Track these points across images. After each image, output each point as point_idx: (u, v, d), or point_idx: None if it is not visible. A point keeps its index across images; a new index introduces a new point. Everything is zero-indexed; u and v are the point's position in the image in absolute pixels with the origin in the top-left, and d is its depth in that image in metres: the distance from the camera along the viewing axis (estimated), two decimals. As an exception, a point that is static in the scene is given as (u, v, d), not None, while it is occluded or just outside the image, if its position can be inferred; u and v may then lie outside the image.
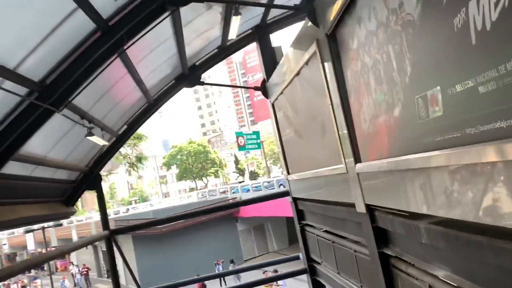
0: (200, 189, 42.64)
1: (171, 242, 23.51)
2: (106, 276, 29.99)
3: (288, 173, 7.10)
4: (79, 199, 6.82)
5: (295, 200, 7.14)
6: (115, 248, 6.78)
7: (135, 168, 9.41)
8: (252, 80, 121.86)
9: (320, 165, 5.06)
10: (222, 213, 26.30)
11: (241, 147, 40.33)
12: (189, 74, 7.04)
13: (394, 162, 2.96)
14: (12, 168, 4.24)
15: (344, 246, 5.18)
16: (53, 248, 36.13)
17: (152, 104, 6.93)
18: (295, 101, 5.82)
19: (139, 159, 9.33)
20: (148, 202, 44.64)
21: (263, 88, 7.30)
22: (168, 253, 23.05)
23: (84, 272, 29.14)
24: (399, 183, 3.02)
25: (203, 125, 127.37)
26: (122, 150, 9.17)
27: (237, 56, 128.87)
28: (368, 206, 3.84)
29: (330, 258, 5.84)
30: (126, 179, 73.45)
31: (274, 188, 24.79)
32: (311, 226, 6.96)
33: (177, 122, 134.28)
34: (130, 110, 6.69)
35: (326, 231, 6.37)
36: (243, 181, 41.31)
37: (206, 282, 19.72)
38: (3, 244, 37.29)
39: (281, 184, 23.96)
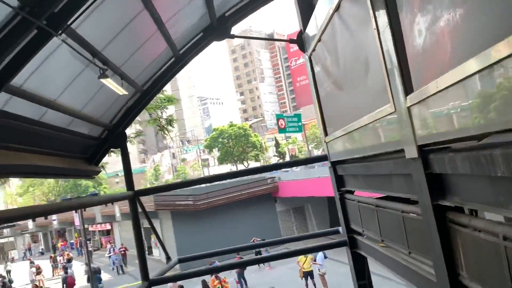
0: (241, 171, 42.48)
1: (209, 220, 23.46)
2: (147, 253, 30.60)
3: (326, 134, 6.40)
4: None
5: (333, 164, 6.44)
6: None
7: (166, 132, 9.13)
8: (295, 65, 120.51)
9: (363, 113, 4.34)
10: (261, 192, 25.95)
11: (281, 130, 39.62)
12: (218, 26, 6.46)
13: (459, 69, 2.23)
14: (17, 107, 3.86)
15: (389, 208, 4.46)
16: (98, 225, 37.53)
17: (179, 58, 6.43)
18: (334, 45, 5.09)
19: (169, 121, 9.05)
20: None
21: (300, 40, 6.60)
22: (206, 231, 23.02)
23: (122, 252, 28.53)
24: (467, 96, 2.28)
25: (245, 111, 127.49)
26: (152, 113, 8.90)
27: (280, 42, 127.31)
28: (420, 148, 3.12)
29: (372, 225, 5.13)
30: (170, 162, 75.11)
31: (314, 168, 24.12)
32: (352, 192, 6.28)
33: (219, 108, 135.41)
34: (155, 63, 6.22)
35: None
36: (284, 164, 40.54)
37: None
38: (53, 220, 39.06)
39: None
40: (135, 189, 6.46)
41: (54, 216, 38.97)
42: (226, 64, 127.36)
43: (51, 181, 60.36)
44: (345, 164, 5.94)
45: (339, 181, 6.43)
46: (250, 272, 20.43)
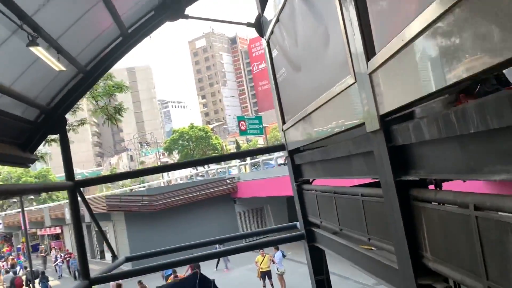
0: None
1: (165, 221, 22.60)
2: (99, 257, 29.25)
3: (284, 122, 6.11)
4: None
5: (291, 154, 6.14)
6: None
7: (114, 121, 8.37)
8: (257, 69, 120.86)
9: (321, 91, 4.06)
10: (220, 192, 25.38)
11: (242, 132, 39.29)
12: (171, 5, 6.03)
13: (427, 12, 1.94)
14: None
15: (348, 193, 4.20)
16: (47, 229, 35.53)
17: (127, 37, 5.93)
18: (292, 23, 4.80)
19: (118, 110, 8.28)
20: (146, 183, 43.87)
21: (258, 24, 6.28)
22: (163, 232, 22.11)
23: (68, 258, 26.76)
24: (436, 45, 2.00)
25: (206, 114, 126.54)
26: (100, 101, 8.19)
27: (242, 45, 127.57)
28: (382, 119, 2.84)
29: (330, 214, 4.86)
30: (128, 165, 72.98)
31: (273, 166, 23.90)
32: (309, 182, 6.00)
33: (181, 112, 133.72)
34: (99, 41, 5.69)
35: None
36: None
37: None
38: (-2, 224, 36.67)
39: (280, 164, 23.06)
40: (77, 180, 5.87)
41: (-1, 220, 36.76)
42: (188, 66, 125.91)
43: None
44: (302, 152, 5.66)
45: (297, 172, 6.13)
46: (207, 274, 19.82)
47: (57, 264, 26.82)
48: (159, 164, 61.32)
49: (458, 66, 1.87)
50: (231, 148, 62.78)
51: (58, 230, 34.70)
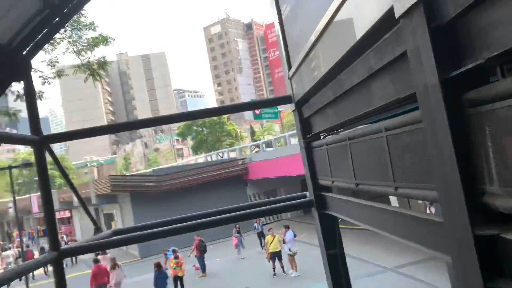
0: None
1: (172, 203, 21.68)
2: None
3: (290, 67, 5.11)
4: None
5: (298, 106, 5.13)
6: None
7: (97, 78, 7.46)
8: (273, 56, 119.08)
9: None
10: (231, 174, 24.36)
11: (257, 116, 38.30)
12: None
13: None
14: None
15: (367, 133, 3.21)
16: (56, 213, 35.22)
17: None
18: None
19: (102, 64, 7.31)
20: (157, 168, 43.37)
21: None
22: (171, 215, 21.04)
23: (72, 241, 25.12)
24: None
25: (222, 102, 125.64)
26: (81, 56, 7.25)
27: (258, 31, 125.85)
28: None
29: (345, 169, 3.87)
30: (143, 152, 72.88)
31: (286, 146, 22.99)
32: (318, 138, 5.00)
33: (198, 101, 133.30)
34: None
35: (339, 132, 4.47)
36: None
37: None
38: (9, 208, 36.52)
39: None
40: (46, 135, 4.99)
41: (10, 204, 36.58)
42: (203, 53, 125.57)
43: (14, 171, 57.50)
44: (311, 100, 4.65)
45: (305, 126, 5.13)
46: (215, 257, 19.12)
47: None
48: (173, 150, 60.99)
49: None
50: (246, 135, 61.83)
51: (67, 214, 34.47)
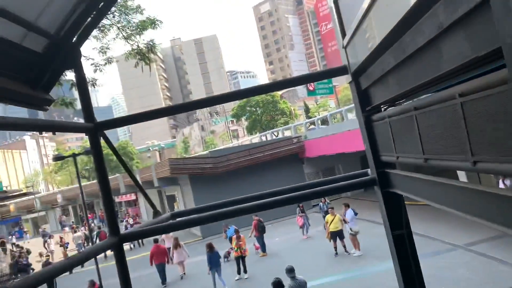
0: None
1: (230, 183, 21.91)
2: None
3: (344, 35, 4.70)
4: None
5: (356, 77, 4.72)
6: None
7: (148, 62, 7.38)
8: (326, 30, 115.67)
9: None
10: (286, 152, 24.04)
11: (310, 92, 37.53)
12: None
13: None
14: None
15: (437, 101, 2.81)
16: (123, 196, 37.10)
17: None
18: None
19: (151, 47, 7.21)
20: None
21: None
22: (229, 195, 21.10)
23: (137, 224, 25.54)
24: None
25: (274, 80, 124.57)
26: (130, 41, 7.25)
27: (308, 6, 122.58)
28: None
29: (411, 143, 3.48)
30: (200, 134, 74.64)
31: (344, 121, 22.23)
32: (379, 110, 4.59)
33: (251, 82, 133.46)
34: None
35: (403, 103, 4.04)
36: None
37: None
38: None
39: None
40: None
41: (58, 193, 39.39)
42: (254, 33, 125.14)
43: (83, 158, 61.18)
44: (370, 69, 4.24)
45: (364, 99, 4.72)
46: (274, 237, 19.11)
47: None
48: (229, 131, 61.73)
49: None
50: (300, 113, 61.00)
51: (133, 197, 36.14)
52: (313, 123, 29.91)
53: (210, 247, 13.34)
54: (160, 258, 15.01)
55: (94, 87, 7.76)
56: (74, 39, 5.00)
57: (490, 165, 2.28)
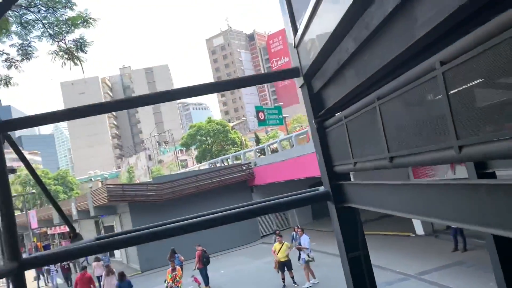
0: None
1: (175, 212, 20.57)
2: (108, 254, 27.67)
3: (296, 32, 4.24)
4: None
5: (308, 79, 4.24)
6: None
7: (76, 61, 6.60)
8: (277, 65, 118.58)
9: None
10: (235, 180, 23.33)
11: (261, 122, 37.38)
12: None
13: None
14: None
15: (411, 79, 2.31)
16: (57, 227, 34.25)
17: None
18: None
19: (81, 45, 6.44)
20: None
21: None
22: None
23: (66, 267, 22.10)
24: None
25: (226, 113, 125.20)
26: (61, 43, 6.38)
27: (260, 42, 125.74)
28: None
29: (373, 142, 2.99)
30: (147, 164, 72.18)
31: (292, 148, 21.98)
32: (333, 114, 4.11)
33: (203, 113, 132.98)
34: None
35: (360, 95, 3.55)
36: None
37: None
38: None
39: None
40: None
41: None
42: (206, 65, 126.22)
43: (17, 186, 56.84)
44: (324, 65, 3.76)
45: (317, 103, 4.22)
46: (220, 268, 18.03)
47: (51, 273, 22.24)
48: (177, 161, 60.13)
49: None
50: (251, 144, 60.87)
51: (67, 228, 33.45)
52: (263, 150, 29.62)
53: (121, 276, 13.32)
54: (84, 287, 14.78)
55: (8, 86, 6.76)
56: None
57: (481, 147, 1.77)
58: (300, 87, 4.49)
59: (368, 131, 3.05)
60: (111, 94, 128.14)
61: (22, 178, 49.85)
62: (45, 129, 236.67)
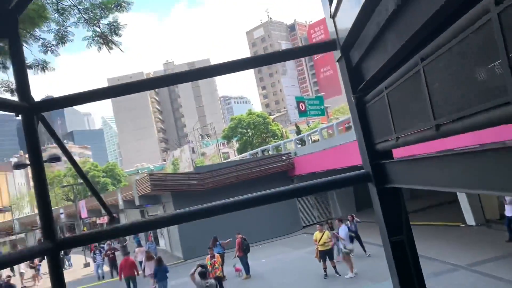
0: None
1: (215, 201, 20.74)
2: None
3: (331, 1, 3.96)
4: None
5: (345, 51, 3.96)
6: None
7: (110, 45, 6.62)
8: (318, 56, 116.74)
9: None
10: (275, 170, 23.17)
11: (302, 113, 36.88)
12: None
13: None
14: None
15: (462, 27, 2.01)
16: (105, 217, 35.50)
17: None
18: None
19: (114, 29, 6.42)
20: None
21: None
22: None
23: (111, 256, 22.03)
24: None
25: (267, 105, 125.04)
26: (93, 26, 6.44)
27: (301, 32, 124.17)
28: None
29: (416, 110, 2.72)
30: (190, 157, 73.51)
31: (334, 136, 21.43)
32: (373, 86, 3.81)
33: (244, 106, 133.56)
34: None
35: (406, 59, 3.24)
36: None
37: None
38: (61, 214, 37.41)
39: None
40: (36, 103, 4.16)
41: (61, 210, 37.63)
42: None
43: (69, 178, 59.72)
44: (362, 33, 3.48)
45: (355, 76, 3.93)
46: (261, 258, 17.97)
47: (96, 260, 22.69)
48: (219, 153, 60.77)
49: None
50: (293, 136, 60.48)
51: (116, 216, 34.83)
52: (303, 141, 29.21)
53: (159, 261, 14.34)
54: (129, 272, 15.74)
55: (45, 71, 6.93)
56: (12, 4, 4.20)
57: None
58: (337, 61, 4.21)
59: (412, 99, 2.77)
60: (155, 90, 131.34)
61: (74, 171, 52.16)
62: (95, 124, 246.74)
